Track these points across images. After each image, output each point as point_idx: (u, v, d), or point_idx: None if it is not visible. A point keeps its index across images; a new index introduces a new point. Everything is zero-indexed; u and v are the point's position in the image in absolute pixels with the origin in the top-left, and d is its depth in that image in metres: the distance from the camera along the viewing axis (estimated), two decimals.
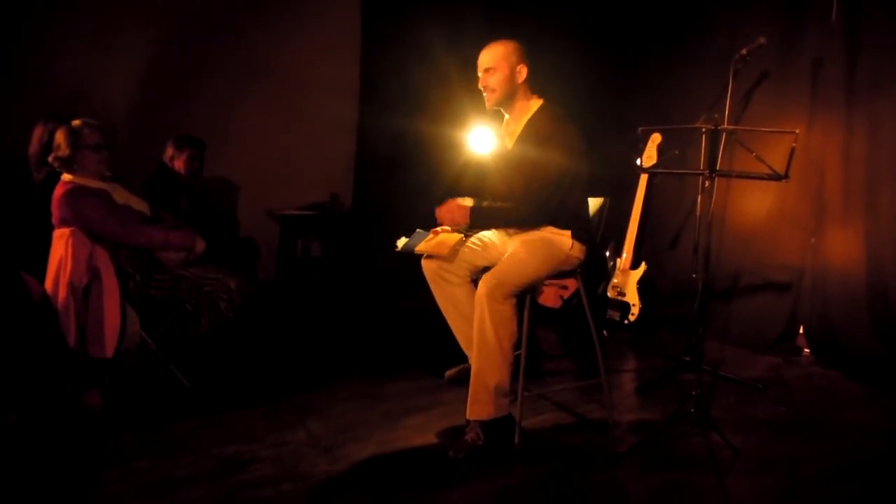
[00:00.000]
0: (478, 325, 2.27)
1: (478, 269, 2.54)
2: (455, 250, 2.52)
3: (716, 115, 2.46)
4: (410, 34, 4.63)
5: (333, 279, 4.86)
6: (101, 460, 2.19)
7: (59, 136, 2.66)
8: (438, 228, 2.64)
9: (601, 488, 2.11)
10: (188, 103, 4.31)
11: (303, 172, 4.82)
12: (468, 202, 2.50)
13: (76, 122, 2.69)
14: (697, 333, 2.61)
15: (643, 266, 3.84)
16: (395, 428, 2.49)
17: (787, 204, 3.61)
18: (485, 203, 2.55)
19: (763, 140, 2.92)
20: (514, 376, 2.33)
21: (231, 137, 4.47)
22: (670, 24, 4.31)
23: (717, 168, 2.34)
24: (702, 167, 2.50)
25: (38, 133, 3.09)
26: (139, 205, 2.86)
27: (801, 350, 3.56)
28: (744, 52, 3.05)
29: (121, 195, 2.79)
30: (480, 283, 2.28)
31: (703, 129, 2.45)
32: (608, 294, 3.91)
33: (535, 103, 2.51)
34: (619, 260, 3.91)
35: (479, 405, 2.29)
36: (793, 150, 2.17)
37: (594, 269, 3.91)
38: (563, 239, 2.47)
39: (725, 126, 2.74)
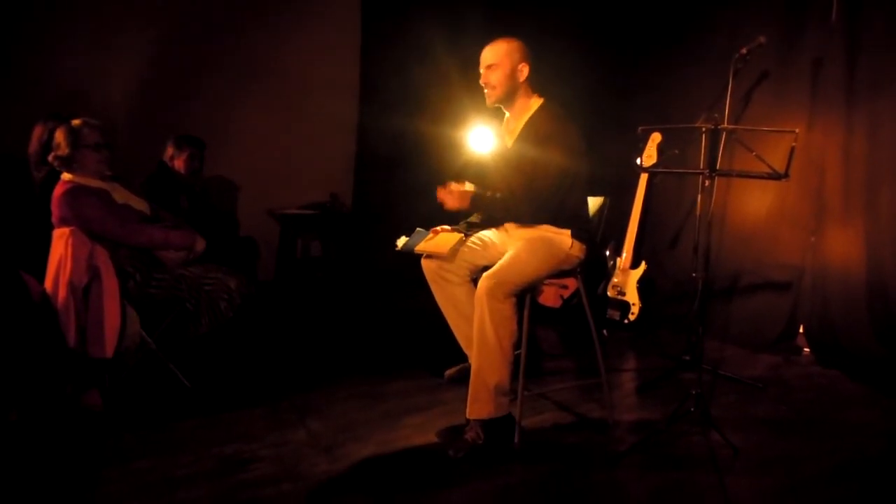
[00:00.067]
0: (478, 324, 2.27)
1: (478, 269, 2.54)
2: (455, 250, 2.52)
3: (716, 115, 2.46)
4: (410, 34, 4.63)
5: (333, 279, 4.86)
6: (101, 460, 2.19)
7: (59, 136, 2.66)
8: (438, 228, 2.64)
9: (601, 488, 2.11)
10: (188, 103, 4.31)
11: (303, 172, 4.82)
12: (471, 188, 2.49)
13: (76, 122, 2.69)
14: (697, 333, 2.61)
15: (643, 265, 3.84)
16: (395, 427, 2.49)
17: (787, 203, 3.61)
18: (487, 194, 2.54)
19: (763, 139, 2.92)
20: (514, 375, 2.33)
21: (231, 137, 4.47)
22: (670, 23, 4.31)
23: (717, 167, 2.34)
24: (702, 166, 2.50)
25: (37, 132, 3.08)
26: (139, 204, 2.86)
27: (801, 349, 3.56)
28: (744, 51, 3.05)
29: (121, 194, 2.79)
30: (480, 283, 2.28)
31: (703, 129, 2.45)
32: (608, 293, 3.91)
33: (536, 102, 2.51)
34: (619, 259, 3.91)
35: (479, 404, 2.29)
36: (793, 149, 2.17)
37: (594, 269, 3.91)
38: (563, 238, 2.47)
39: (725, 125, 2.74)
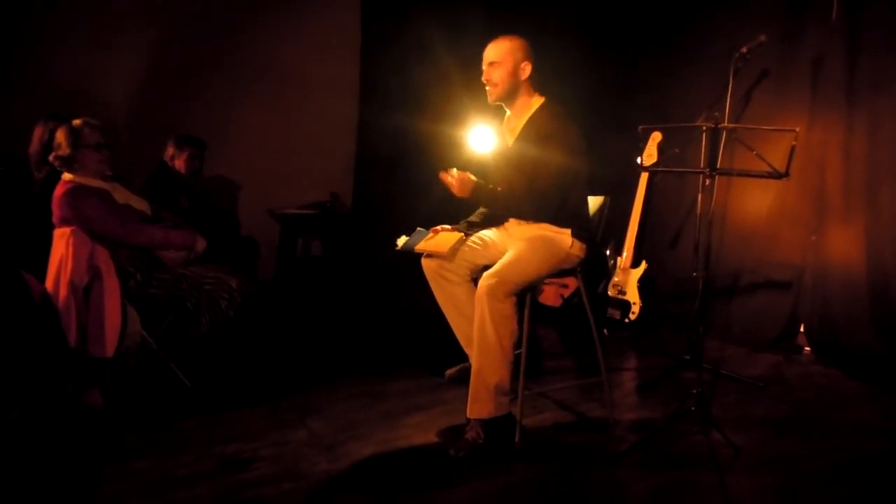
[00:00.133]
0: (478, 323, 2.27)
1: (478, 268, 2.53)
2: (455, 249, 2.51)
3: (716, 114, 2.46)
4: (411, 33, 4.63)
5: (334, 278, 4.86)
6: (101, 459, 2.20)
7: (60, 136, 2.66)
8: (438, 227, 2.64)
9: (602, 487, 2.11)
10: (189, 103, 4.31)
11: (303, 172, 4.82)
12: (473, 178, 2.49)
13: (77, 122, 2.69)
14: (698, 332, 2.61)
15: (644, 265, 3.84)
16: (396, 427, 2.49)
17: (787, 202, 3.61)
18: (490, 186, 2.54)
19: (763, 138, 2.92)
20: (514, 375, 2.33)
21: (231, 137, 4.47)
22: (670, 22, 4.31)
23: (718, 166, 2.34)
24: (702, 165, 2.50)
25: (38, 132, 3.09)
26: (140, 204, 2.86)
27: (801, 348, 3.56)
28: (744, 50, 3.05)
29: (121, 194, 2.79)
30: (481, 282, 2.28)
31: (704, 128, 2.45)
32: (609, 293, 3.91)
33: (537, 101, 2.51)
34: (619, 258, 3.91)
35: (479, 404, 2.29)
36: (793, 148, 2.17)
37: (595, 268, 3.91)
38: (563, 237, 2.47)
39: (726, 124, 2.74)
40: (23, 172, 3.15)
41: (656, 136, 3.67)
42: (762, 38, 3.04)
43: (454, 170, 2.44)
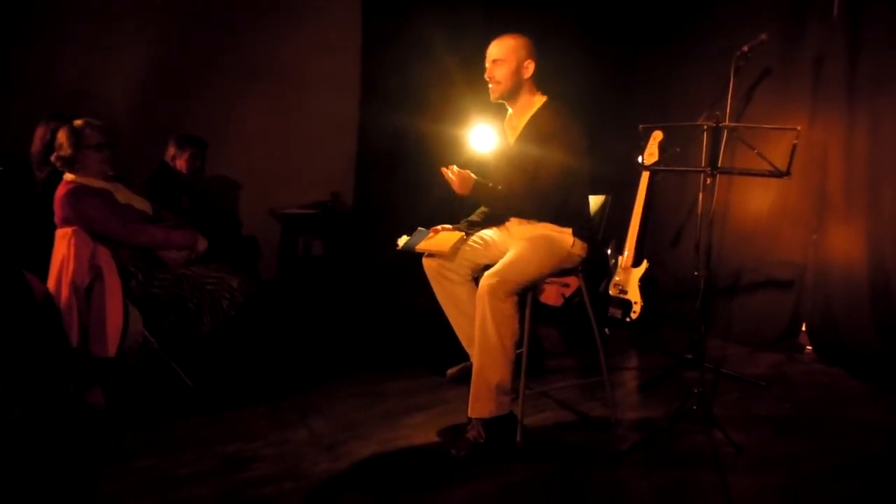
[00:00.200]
0: (479, 323, 2.27)
1: (479, 268, 2.53)
2: (456, 248, 2.51)
3: (717, 113, 2.46)
4: (411, 32, 4.63)
5: (335, 278, 4.86)
6: (103, 459, 2.20)
7: (62, 136, 2.67)
8: (439, 227, 2.64)
9: (603, 486, 2.11)
10: (190, 103, 4.31)
11: (304, 171, 4.82)
12: (473, 176, 2.49)
13: (78, 122, 2.69)
14: (699, 331, 2.61)
15: (645, 264, 3.84)
16: (397, 426, 2.49)
17: (788, 201, 3.61)
18: (490, 185, 2.54)
19: (764, 137, 2.91)
20: (515, 374, 2.33)
21: (232, 137, 4.47)
22: (671, 21, 4.30)
23: (719, 165, 2.34)
24: (703, 164, 2.49)
25: (40, 132, 3.09)
26: (141, 204, 2.86)
27: (803, 347, 3.55)
28: (745, 49, 3.04)
29: (123, 194, 2.79)
30: (482, 282, 2.28)
31: (705, 127, 2.45)
32: (610, 292, 3.91)
33: (539, 100, 2.51)
34: (620, 258, 3.90)
35: (480, 403, 2.29)
36: (794, 146, 2.17)
37: (596, 267, 3.91)
38: (564, 237, 2.47)
39: (727, 123, 2.74)
40: (24, 173, 3.15)
41: (657, 135, 3.66)
42: (763, 36, 3.03)
43: (454, 167, 2.44)
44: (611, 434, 2.47)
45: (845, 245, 3.39)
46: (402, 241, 2.65)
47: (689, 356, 3.16)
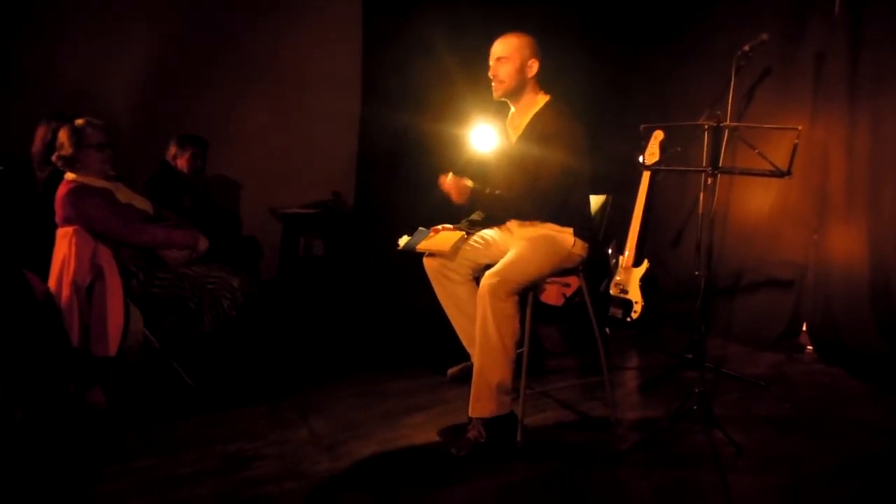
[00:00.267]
0: (480, 322, 2.27)
1: (480, 267, 2.53)
2: (456, 248, 2.51)
3: (718, 112, 2.45)
4: (412, 32, 4.62)
5: (336, 277, 4.86)
6: (103, 458, 2.20)
7: (63, 136, 2.67)
8: (440, 227, 2.64)
9: (603, 486, 2.11)
10: (190, 102, 4.31)
11: (305, 171, 4.82)
12: (470, 184, 2.49)
13: (79, 122, 2.69)
14: (700, 331, 2.61)
15: (646, 263, 3.83)
16: (397, 426, 2.50)
17: (789, 200, 3.60)
18: (487, 190, 2.54)
19: (765, 136, 2.91)
20: (516, 374, 2.33)
21: (233, 136, 4.47)
22: (672, 20, 4.30)
23: (720, 165, 2.34)
24: (704, 164, 2.49)
25: (41, 132, 3.09)
26: (142, 203, 2.87)
27: (803, 347, 3.55)
28: (746, 48, 3.04)
29: (124, 194, 2.80)
30: (483, 281, 2.28)
31: (706, 126, 2.45)
32: (611, 291, 3.91)
33: (542, 99, 2.52)
34: (621, 257, 3.90)
35: (481, 403, 2.29)
36: (795, 146, 2.17)
37: (597, 267, 3.91)
38: (565, 236, 2.47)
39: (728, 123, 2.74)
40: (25, 172, 3.15)
41: (658, 135, 3.66)
42: (764, 36, 3.03)
43: (449, 175, 2.45)
44: (611, 434, 2.47)
45: (846, 245, 3.39)
46: (403, 240, 2.65)
47: (690, 356, 3.16)
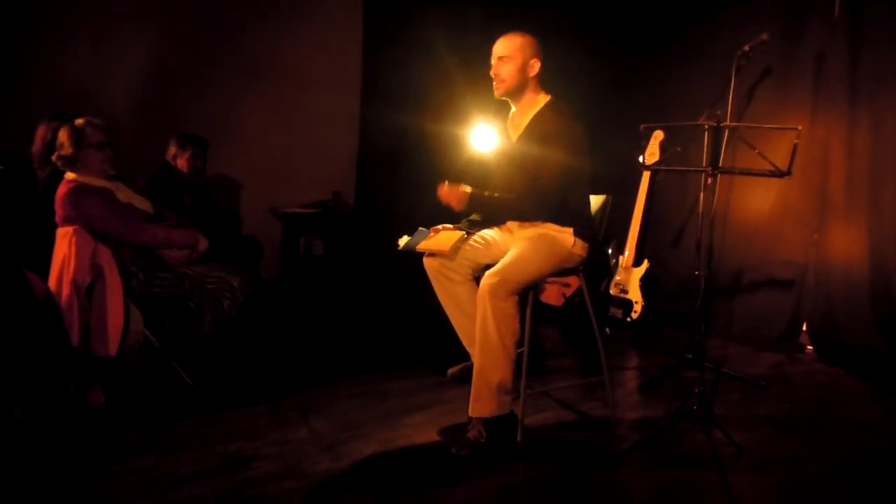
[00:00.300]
0: (480, 322, 2.27)
1: (480, 267, 2.54)
2: (456, 247, 2.51)
3: (718, 112, 2.46)
4: (412, 32, 4.62)
5: (336, 277, 4.86)
6: (104, 458, 2.20)
7: (63, 135, 2.67)
8: (440, 227, 2.64)
9: (604, 486, 2.11)
10: (190, 102, 4.31)
11: (305, 171, 4.82)
12: (468, 189, 2.50)
13: (79, 121, 2.69)
14: (700, 330, 2.61)
15: (646, 263, 3.84)
16: (398, 426, 2.50)
17: (789, 200, 3.60)
18: (486, 193, 2.55)
19: (765, 136, 2.91)
20: (516, 374, 2.33)
21: (233, 136, 4.47)
22: (672, 20, 4.30)
23: (720, 165, 2.34)
24: (704, 164, 2.49)
25: (41, 132, 3.09)
26: (142, 203, 2.87)
27: (803, 347, 3.55)
28: (746, 48, 3.04)
29: (124, 194, 2.80)
30: (483, 281, 2.28)
31: (706, 126, 2.45)
32: (611, 291, 3.91)
33: (543, 99, 2.52)
34: (621, 257, 3.90)
35: (481, 402, 2.29)
36: (795, 146, 2.17)
37: (597, 267, 3.91)
38: (565, 236, 2.47)
39: (728, 123, 2.74)
40: (25, 172, 3.15)
41: (658, 135, 3.66)
42: (764, 35, 3.03)
43: (445, 184, 2.45)
44: (611, 434, 2.48)
45: (846, 245, 3.39)
46: (403, 240, 2.65)
47: (690, 356, 3.16)
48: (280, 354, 3.33)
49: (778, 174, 2.19)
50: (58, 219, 2.64)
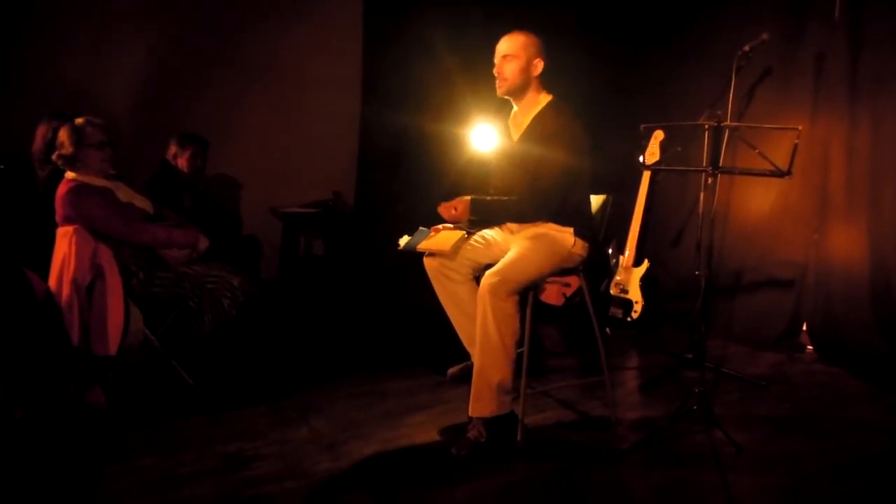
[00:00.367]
0: (480, 322, 2.27)
1: (480, 267, 2.54)
2: (457, 247, 2.51)
3: (718, 112, 2.45)
4: (412, 32, 4.63)
5: (336, 277, 4.86)
6: (104, 457, 2.20)
7: (63, 135, 2.67)
8: (440, 226, 2.64)
9: (604, 486, 2.11)
10: (191, 102, 4.32)
11: (305, 170, 4.82)
12: (468, 198, 2.50)
13: (79, 121, 2.69)
14: (700, 330, 2.61)
15: (646, 263, 3.83)
16: (398, 426, 2.50)
17: (790, 200, 3.61)
18: (487, 197, 2.55)
19: (766, 136, 2.91)
20: (516, 374, 2.33)
21: (234, 135, 4.47)
22: (672, 20, 4.30)
23: (720, 165, 2.34)
24: (704, 164, 2.49)
25: (41, 131, 3.10)
26: (142, 203, 2.87)
27: (804, 347, 3.55)
28: (746, 48, 3.04)
29: (124, 193, 2.80)
30: (483, 281, 2.28)
31: (706, 126, 2.45)
32: (611, 291, 3.91)
33: (545, 98, 2.52)
34: (621, 257, 3.90)
35: (481, 402, 2.29)
36: (795, 146, 2.17)
37: (597, 267, 3.91)
38: (565, 236, 2.47)
39: (728, 123, 2.74)
40: (25, 171, 3.16)
41: (658, 135, 3.66)
42: (765, 35, 3.03)
43: (442, 203, 2.46)
44: (611, 433, 2.47)
45: (846, 244, 3.39)
46: (404, 240, 2.65)
47: (690, 356, 3.16)
48: (280, 354, 3.33)
49: (778, 174, 2.19)
50: (58, 218, 2.64)
